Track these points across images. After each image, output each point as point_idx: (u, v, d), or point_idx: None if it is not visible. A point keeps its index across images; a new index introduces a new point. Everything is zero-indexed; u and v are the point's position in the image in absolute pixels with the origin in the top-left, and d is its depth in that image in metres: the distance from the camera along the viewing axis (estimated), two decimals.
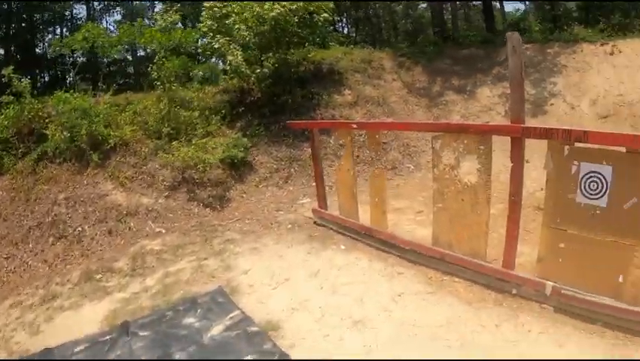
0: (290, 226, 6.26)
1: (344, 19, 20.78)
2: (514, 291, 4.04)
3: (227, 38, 8.67)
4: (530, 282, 3.95)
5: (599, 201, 3.57)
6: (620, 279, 3.49)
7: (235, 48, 8.53)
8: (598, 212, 3.62)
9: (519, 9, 19.44)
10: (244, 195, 7.67)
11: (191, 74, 9.92)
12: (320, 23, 9.52)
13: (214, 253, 5.59)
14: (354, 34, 20.38)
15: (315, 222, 6.17)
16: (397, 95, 10.81)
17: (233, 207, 7.41)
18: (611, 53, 9.63)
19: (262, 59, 9.49)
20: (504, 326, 3.56)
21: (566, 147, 3.72)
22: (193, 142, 7.96)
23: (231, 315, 4.11)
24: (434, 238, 4.66)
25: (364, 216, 5.42)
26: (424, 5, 19.38)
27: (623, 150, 3.35)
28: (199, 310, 4.24)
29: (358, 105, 10.19)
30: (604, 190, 3.53)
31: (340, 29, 20.54)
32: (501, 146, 4.13)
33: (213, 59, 13.41)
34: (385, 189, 5.36)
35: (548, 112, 9.11)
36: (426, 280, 4.41)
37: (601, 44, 10.06)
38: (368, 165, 9.08)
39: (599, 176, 3.52)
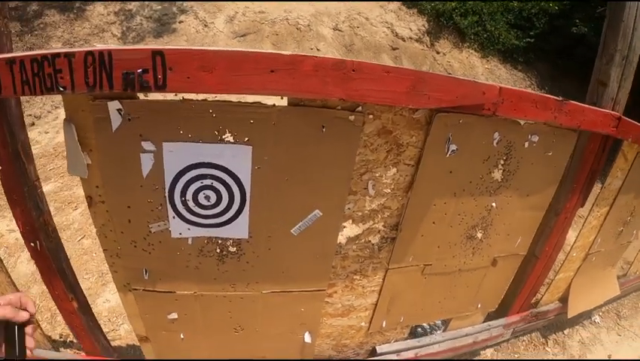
0: None
1: None
2: None
3: None
4: None
5: (227, 230, 1.53)
6: (308, 338, 1.99)
7: None
8: (232, 249, 1.60)
9: None
10: None
11: None
12: None
13: None
14: None
15: None
16: None
17: None
18: None
19: None
20: None
21: (113, 106, 1.23)
22: None
23: None
24: None
25: None
26: None
27: (283, 102, 1.27)
28: None
29: None
30: (233, 203, 1.45)
31: None
32: None
33: None
34: None
35: (177, 31, 6.68)
36: None
37: None
38: None
39: (218, 175, 1.38)
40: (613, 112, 1.85)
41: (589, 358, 2.97)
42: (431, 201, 1.60)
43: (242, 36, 6.62)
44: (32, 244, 1.66)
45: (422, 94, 1.24)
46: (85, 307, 1.96)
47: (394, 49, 7.35)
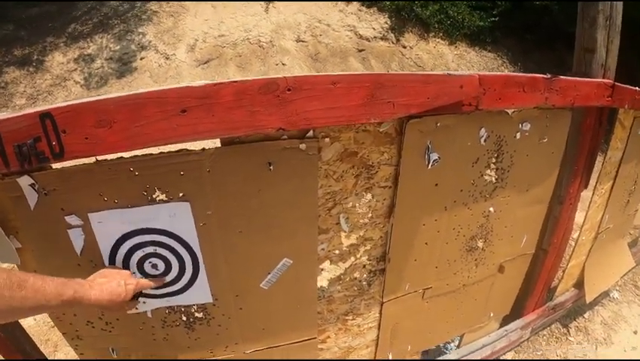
0: None
1: None
2: None
3: None
4: None
5: (187, 297, 1.25)
6: None
7: None
8: (199, 315, 1.35)
9: None
10: None
11: None
12: None
13: None
14: None
15: None
16: None
17: None
18: None
19: None
20: None
21: (24, 182, 0.95)
22: None
23: None
24: None
25: None
26: None
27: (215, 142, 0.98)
28: None
29: None
30: (185, 268, 1.17)
31: None
32: None
33: None
34: None
35: (139, 68, 6.43)
36: None
37: None
38: None
39: (160, 240, 1.10)
40: (605, 80, 1.59)
41: (613, 340, 2.71)
42: (419, 222, 1.33)
43: (205, 63, 6.35)
44: None
45: (383, 103, 0.96)
46: None
47: (360, 51, 7.11)
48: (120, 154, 0.92)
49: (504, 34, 7.18)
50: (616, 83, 1.58)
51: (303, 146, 0.99)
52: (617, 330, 2.78)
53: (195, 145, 0.97)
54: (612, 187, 2.15)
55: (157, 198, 1.01)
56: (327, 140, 1.03)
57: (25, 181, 0.94)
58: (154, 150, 0.95)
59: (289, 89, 0.83)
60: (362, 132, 1.07)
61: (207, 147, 0.95)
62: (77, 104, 0.83)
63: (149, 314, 1.27)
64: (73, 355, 2.56)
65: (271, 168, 0.99)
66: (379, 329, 1.62)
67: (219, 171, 0.97)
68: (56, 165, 0.94)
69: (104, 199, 1.00)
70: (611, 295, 3.02)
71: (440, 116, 1.15)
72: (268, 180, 1.01)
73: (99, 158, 0.95)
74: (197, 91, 0.80)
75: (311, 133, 0.99)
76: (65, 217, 1.01)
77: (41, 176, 0.95)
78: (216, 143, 0.97)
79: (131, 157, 0.95)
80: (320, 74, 0.84)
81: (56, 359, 2.29)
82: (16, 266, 1.06)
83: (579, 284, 2.55)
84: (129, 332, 1.32)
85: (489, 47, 7.20)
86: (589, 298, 2.50)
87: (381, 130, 1.09)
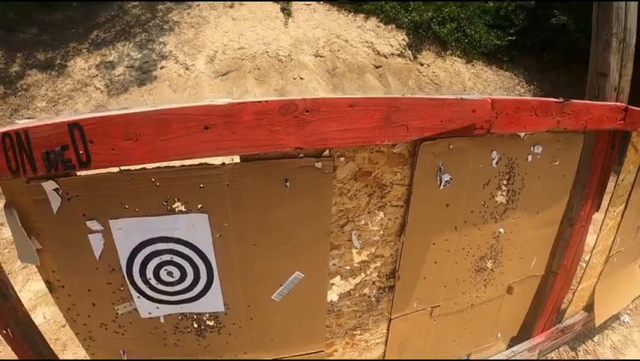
0: None
1: None
2: None
3: None
4: None
5: (200, 305, 1.29)
6: None
7: None
8: (210, 323, 1.37)
9: None
10: None
11: None
12: None
13: None
14: None
15: None
16: None
17: None
18: (231, 6, 8.00)
19: None
20: None
21: (49, 186, 1.01)
22: None
23: None
24: None
25: None
26: None
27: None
28: None
29: None
30: (200, 277, 1.21)
31: None
32: None
33: None
34: None
35: (158, 77, 6.53)
36: None
37: None
38: None
39: (177, 249, 1.13)
40: (618, 104, 1.58)
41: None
42: (429, 241, 1.33)
43: (223, 75, 6.46)
44: (4, 331, 1.41)
45: (398, 125, 0.99)
46: None
47: (377, 67, 7.16)
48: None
49: (521, 52, 7.17)
50: (629, 107, 1.57)
51: (319, 164, 1.01)
52: (626, 354, 2.72)
53: (215, 160, 1.00)
54: (624, 210, 2.12)
55: (177, 209, 1.04)
56: (342, 159, 1.06)
57: (49, 186, 0.99)
58: (176, 163, 0.99)
59: (307, 111, 0.85)
60: (376, 153, 1.10)
61: (227, 162, 0.98)
62: (105, 117, 0.87)
63: (162, 320, 1.30)
64: (80, 356, 2.60)
65: (287, 184, 1.01)
66: (386, 345, 1.61)
67: (237, 186, 1.00)
68: (80, 172, 0.98)
69: (125, 207, 1.03)
70: (621, 319, 2.95)
71: (453, 139, 1.17)
72: (284, 196, 1.03)
73: (123, 168, 0.99)
74: (220, 109, 0.83)
75: (327, 152, 1.01)
76: (87, 222, 1.05)
77: (66, 182, 0.99)
78: (235, 158, 1.00)
79: (153, 168, 0.99)
80: (337, 96, 0.87)
81: (68, 359, 2.33)
82: None
83: (589, 307, 2.50)
84: (141, 336, 1.35)
85: (505, 65, 7.19)
86: (598, 322, 2.46)
87: (395, 151, 1.11)
